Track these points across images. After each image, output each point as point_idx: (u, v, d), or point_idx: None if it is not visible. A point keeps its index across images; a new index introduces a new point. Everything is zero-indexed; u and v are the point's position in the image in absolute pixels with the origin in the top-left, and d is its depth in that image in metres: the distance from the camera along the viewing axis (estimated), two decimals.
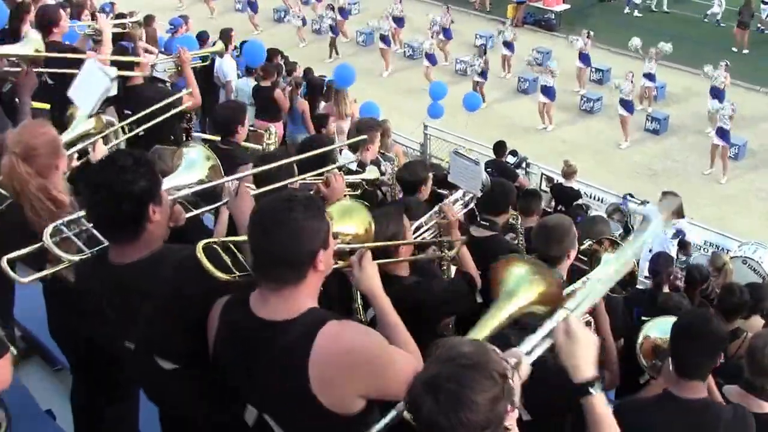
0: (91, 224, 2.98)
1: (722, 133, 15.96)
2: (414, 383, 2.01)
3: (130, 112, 5.34)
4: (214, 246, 2.74)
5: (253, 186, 3.60)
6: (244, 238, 2.70)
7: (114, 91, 4.90)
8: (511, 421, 2.02)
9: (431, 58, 20.63)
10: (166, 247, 2.90)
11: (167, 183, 3.41)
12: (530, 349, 2.47)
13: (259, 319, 2.46)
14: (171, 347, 2.86)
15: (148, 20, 12.34)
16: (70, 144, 4.29)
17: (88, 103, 4.54)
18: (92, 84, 4.55)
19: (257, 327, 2.46)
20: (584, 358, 2.43)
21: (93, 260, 2.94)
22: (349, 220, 3.25)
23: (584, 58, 19.90)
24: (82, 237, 3.08)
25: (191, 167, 3.65)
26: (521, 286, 2.88)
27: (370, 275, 2.87)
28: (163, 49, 11.59)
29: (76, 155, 4.09)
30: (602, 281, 2.95)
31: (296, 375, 2.34)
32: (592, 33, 19.89)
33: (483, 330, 2.79)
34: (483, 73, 19.31)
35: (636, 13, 25.14)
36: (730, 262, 8.18)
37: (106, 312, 2.95)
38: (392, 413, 2.39)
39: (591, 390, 2.40)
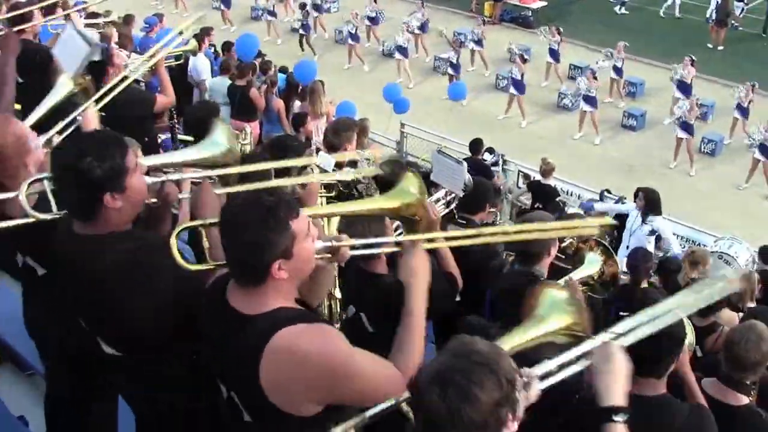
0: None
1: (685, 126, 16.10)
2: (423, 373, 2.04)
3: (104, 114, 5.28)
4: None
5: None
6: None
7: (97, 57, 4.84)
8: (509, 430, 2.03)
9: (404, 52, 20.63)
10: (127, 235, 2.89)
11: (179, 156, 3.44)
12: (543, 373, 2.43)
13: (229, 307, 2.48)
14: (107, 334, 2.93)
15: (128, 20, 12.26)
16: (53, 114, 4.14)
17: (71, 66, 4.51)
18: (73, 49, 4.51)
19: (227, 314, 2.47)
20: (617, 384, 2.46)
21: (63, 225, 2.93)
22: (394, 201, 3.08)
23: (553, 53, 19.98)
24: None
25: (208, 146, 3.53)
26: (554, 312, 2.83)
27: (414, 270, 2.71)
28: (137, 48, 11.48)
29: (56, 136, 3.91)
30: (659, 317, 2.81)
31: (249, 371, 2.34)
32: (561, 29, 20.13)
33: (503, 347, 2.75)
34: (456, 67, 19.40)
35: (622, 10, 25.15)
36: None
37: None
38: (389, 402, 2.40)
39: (615, 417, 2.44)
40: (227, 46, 13.89)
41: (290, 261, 2.39)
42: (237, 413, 2.51)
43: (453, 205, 4.68)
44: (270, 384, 2.32)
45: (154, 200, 3.19)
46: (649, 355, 3.45)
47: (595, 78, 17.46)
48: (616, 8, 25.19)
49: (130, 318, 2.78)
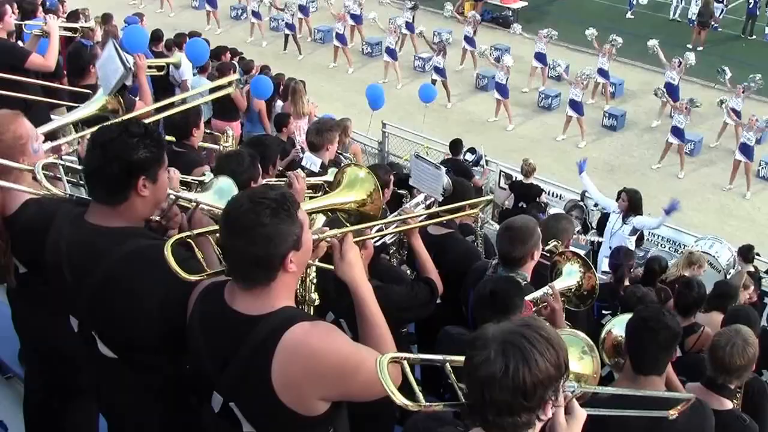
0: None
1: (676, 132, 16.17)
2: (488, 330, 2.05)
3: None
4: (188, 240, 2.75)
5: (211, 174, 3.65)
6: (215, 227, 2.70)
7: (129, 81, 4.92)
8: (544, 417, 2.05)
9: (392, 54, 20.54)
10: (143, 231, 2.92)
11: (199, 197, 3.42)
12: None
13: (232, 311, 2.47)
14: (109, 333, 2.89)
15: (106, 19, 12.14)
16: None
17: (107, 84, 4.59)
18: (111, 67, 4.62)
19: (230, 319, 2.47)
20: None
21: (70, 217, 2.93)
22: (350, 191, 3.30)
23: (540, 57, 19.90)
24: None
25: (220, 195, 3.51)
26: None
27: (351, 262, 2.72)
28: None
29: (67, 145, 3.99)
30: None
31: (259, 372, 2.36)
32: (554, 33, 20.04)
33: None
34: (441, 70, 19.17)
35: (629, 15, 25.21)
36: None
37: (63, 275, 2.91)
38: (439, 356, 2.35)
39: None
40: None
41: (299, 252, 2.44)
42: (233, 425, 2.50)
43: (432, 210, 4.64)
44: (282, 383, 2.34)
45: (158, 218, 3.16)
46: (651, 354, 3.47)
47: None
48: (628, 14, 25.17)
49: (139, 315, 2.77)
